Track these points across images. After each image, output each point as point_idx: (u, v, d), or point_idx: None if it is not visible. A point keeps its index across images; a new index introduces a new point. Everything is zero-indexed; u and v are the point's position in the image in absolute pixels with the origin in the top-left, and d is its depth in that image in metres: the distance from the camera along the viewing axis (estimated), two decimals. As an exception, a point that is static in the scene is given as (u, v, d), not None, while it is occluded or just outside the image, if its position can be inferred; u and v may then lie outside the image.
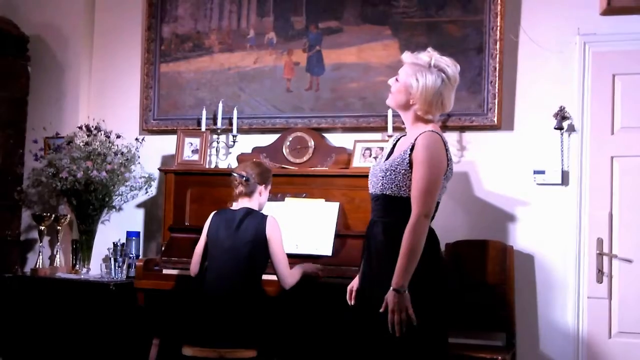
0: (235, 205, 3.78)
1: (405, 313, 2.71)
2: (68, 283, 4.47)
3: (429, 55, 2.95)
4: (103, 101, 5.05)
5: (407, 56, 3.01)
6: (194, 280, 3.81)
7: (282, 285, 3.68)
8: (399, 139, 3.08)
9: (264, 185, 3.79)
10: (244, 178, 3.73)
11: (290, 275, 3.70)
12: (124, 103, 5.02)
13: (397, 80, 2.99)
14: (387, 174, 2.88)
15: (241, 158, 4.51)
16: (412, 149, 2.86)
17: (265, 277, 3.75)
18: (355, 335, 2.93)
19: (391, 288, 2.73)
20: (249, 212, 3.71)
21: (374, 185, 2.95)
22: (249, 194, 3.75)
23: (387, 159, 2.99)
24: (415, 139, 2.87)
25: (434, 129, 2.92)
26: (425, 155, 2.82)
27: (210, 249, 3.72)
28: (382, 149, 4.26)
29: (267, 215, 3.71)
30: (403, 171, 2.86)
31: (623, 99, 4.15)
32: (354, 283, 3.10)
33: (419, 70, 2.93)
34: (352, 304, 3.06)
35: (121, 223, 4.86)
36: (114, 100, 5.04)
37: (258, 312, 3.57)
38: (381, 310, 2.74)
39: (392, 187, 2.87)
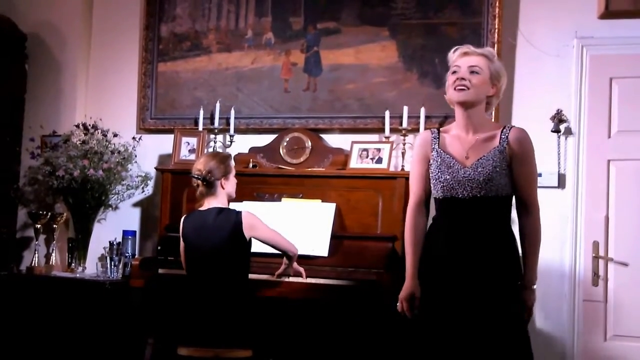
0: (204, 206, 3.62)
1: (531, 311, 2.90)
2: (64, 282, 4.46)
3: (486, 49, 2.99)
4: (100, 100, 5.04)
5: (470, 49, 2.95)
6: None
7: (289, 257, 3.70)
8: (438, 137, 2.99)
9: (223, 177, 3.60)
10: (200, 179, 3.57)
11: (289, 243, 3.69)
12: (121, 102, 5.02)
13: (474, 72, 2.88)
14: (494, 177, 2.84)
15: (238, 158, 4.51)
16: (506, 146, 2.86)
17: (262, 277, 3.75)
18: (470, 341, 2.80)
19: (532, 286, 2.86)
20: (219, 211, 3.56)
21: (472, 190, 2.85)
22: (210, 192, 3.59)
23: (454, 159, 2.91)
24: (506, 135, 2.88)
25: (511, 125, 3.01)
26: (531, 150, 2.91)
27: (189, 253, 3.62)
28: (379, 150, 4.27)
29: (240, 212, 3.54)
30: (505, 170, 2.86)
31: (620, 103, 4.15)
32: (414, 289, 2.95)
33: (493, 61, 2.93)
34: (414, 311, 2.94)
35: (117, 222, 4.85)
36: (112, 99, 5.04)
37: (252, 312, 3.56)
38: (527, 314, 2.87)
39: (497, 188, 2.85)
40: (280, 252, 3.73)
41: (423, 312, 2.92)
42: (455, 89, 2.90)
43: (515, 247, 2.93)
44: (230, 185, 3.64)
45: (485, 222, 2.86)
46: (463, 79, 2.88)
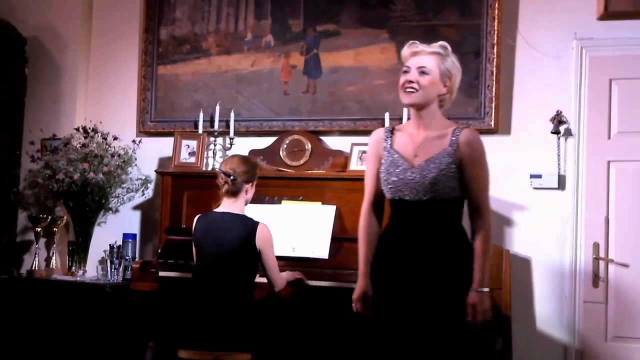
0: (221, 207, 3.62)
1: (489, 312, 2.79)
2: (64, 285, 4.46)
3: (439, 44, 2.91)
4: (100, 103, 5.04)
5: (420, 47, 2.90)
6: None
7: (273, 288, 3.67)
8: (391, 136, 2.97)
9: (250, 184, 3.63)
10: (231, 177, 3.57)
11: (280, 279, 3.68)
12: (121, 105, 5.02)
13: (423, 73, 2.85)
14: (441, 180, 2.80)
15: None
16: (456, 148, 2.82)
17: (262, 280, 3.75)
18: (415, 341, 2.78)
19: (477, 289, 2.78)
20: (237, 217, 3.57)
21: (418, 192, 2.82)
22: (235, 193, 3.58)
23: (403, 158, 2.88)
24: (457, 137, 2.83)
25: (464, 125, 2.96)
26: (482, 153, 2.86)
27: (198, 254, 3.60)
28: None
29: (257, 223, 3.55)
30: (453, 173, 2.81)
31: (620, 104, 4.16)
32: (367, 289, 2.95)
33: (445, 58, 2.88)
34: (365, 310, 2.94)
35: (117, 225, 4.85)
36: (111, 102, 5.04)
37: (253, 315, 3.56)
38: (470, 316, 2.78)
39: (444, 191, 2.81)
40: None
41: (374, 313, 2.91)
42: (404, 91, 2.88)
43: (467, 249, 2.87)
44: (251, 193, 3.66)
45: (434, 224, 2.83)
46: (411, 81, 2.86)
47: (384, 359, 2.83)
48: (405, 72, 2.90)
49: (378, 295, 2.92)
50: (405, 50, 2.95)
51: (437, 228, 2.82)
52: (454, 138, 2.84)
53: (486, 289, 2.80)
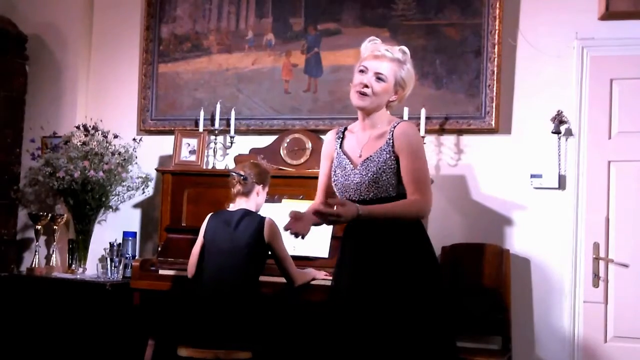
0: (233, 206, 3.76)
1: (335, 220, 2.65)
2: (64, 283, 4.46)
3: (399, 49, 2.86)
4: (101, 101, 5.04)
5: (382, 51, 2.82)
6: (190, 281, 3.80)
7: (291, 284, 3.67)
8: (342, 137, 2.94)
9: (261, 186, 3.77)
10: (242, 177, 3.71)
11: (299, 273, 3.70)
12: (121, 103, 5.02)
13: (379, 79, 2.80)
14: (381, 177, 2.76)
15: (238, 159, 4.51)
16: (392, 143, 2.77)
17: (262, 278, 3.75)
18: (356, 334, 2.74)
19: (358, 207, 2.64)
20: (246, 213, 3.69)
21: (361, 193, 2.79)
22: (246, 193, 3.73)
23: (348, 159, 2.85)
24: (392, 132, 2.79)
25: (400, 119, 2.92)
26: (418, 144, 2.79)
27: (207, 250, 3.68)
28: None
29: (264, 218, 3.67)
30: (392, 170, 2.77)
31: (620, 104, 4.15)
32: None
33: (403, 65, 2.84)
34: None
35: (118, 223, 4.85)
36: (112, 100, 5.04)
37: (254, 313, 3.57)
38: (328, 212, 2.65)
39: (386, 189, 2.77)
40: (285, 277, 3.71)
41: (329, 311, 2.88)
42: (357, 92, 2.83)
43: (420, 246, 2.81)
44: (262, 196, 3.80)
45: (382, 223, 2.76)
46: (367, 86, 2.80)
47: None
48: (362, 72, 2.84)
49: (334, 296, 2.90)
50: (366, 48, 2.88)
51: (386, 226, 2.77)
52: (390, 133, 2.80)
53: (361, 211, 2.65)
